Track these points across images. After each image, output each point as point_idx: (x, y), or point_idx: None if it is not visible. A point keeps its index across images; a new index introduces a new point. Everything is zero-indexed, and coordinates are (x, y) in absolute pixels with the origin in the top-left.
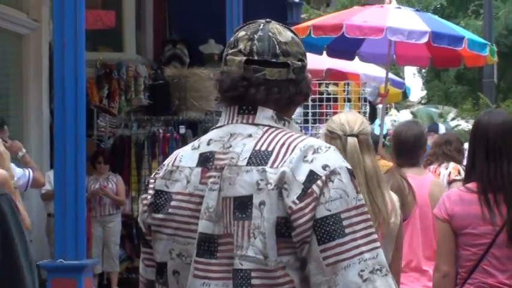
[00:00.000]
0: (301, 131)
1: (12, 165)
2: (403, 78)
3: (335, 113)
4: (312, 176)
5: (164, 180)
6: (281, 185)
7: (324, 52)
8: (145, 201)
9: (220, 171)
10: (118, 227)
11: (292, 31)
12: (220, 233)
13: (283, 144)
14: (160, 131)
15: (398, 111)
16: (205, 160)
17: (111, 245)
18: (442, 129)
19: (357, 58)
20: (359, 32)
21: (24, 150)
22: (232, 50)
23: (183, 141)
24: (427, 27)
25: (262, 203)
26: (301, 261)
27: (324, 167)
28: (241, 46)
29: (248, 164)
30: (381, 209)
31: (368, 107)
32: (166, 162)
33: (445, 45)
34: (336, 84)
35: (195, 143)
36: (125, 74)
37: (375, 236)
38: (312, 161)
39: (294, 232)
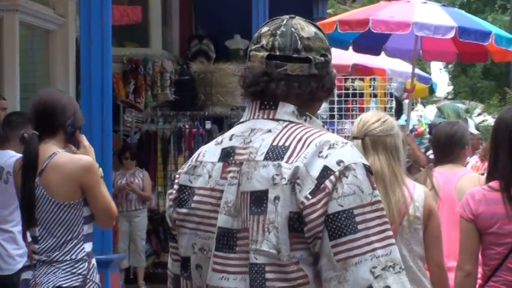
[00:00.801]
0: (325, 126)
1: None
2: (430, 74)
3: (361, 108)
4: (325, 172)
5: (188, 176)
6: (294, 180)
7: (350, 47)
8: (170, 196)
9: (239, 166)
10: (144, 222)
11: (316, 26)
12: (239, 227)
13: (300, 139)
14: (186, 126)
15: (424, 106)
16: (227, 155)
17: (138, 239)
18: (471, 124)
19: (383, 53)
20: (385, 27)
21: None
22: (256, 46)
23: (209, 137)
24: (453, 22)
25: (277, 198)
26: (314, 257)
27: (339, 162)
28: (263, 42)
29: (265, 159)
30: (391, 209)
31: (394, 102)
32: (191, 157)
33: (472, 41)
34: (362, 80)
35: (219, 138)
36: (151, 69)
37: (390, 233)
38: (326, 156)
39: (306, 227)
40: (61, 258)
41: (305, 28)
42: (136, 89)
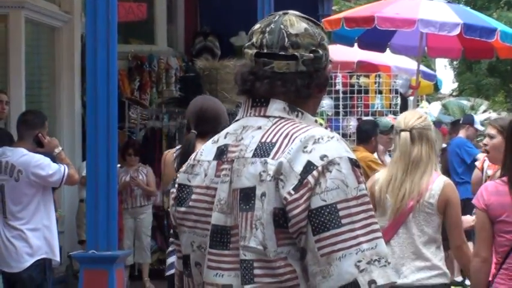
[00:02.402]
0: (328, 122)
1: (48, 160)
2: (435, 71)
3: (366, 105)
4: (308, 167)
5: (186, 174)
6: (278, 176)
7: (355, 44)
8: (172, 195)
9: (231, 164)
10: (149, 219)
11: (312, 22)
12: (232, 224)
13: (287, 135)
14: None
15: (429, 103)
16: (221, 153)
17: (143, 236)
18: (477, 120)
19: (388, 50)
20: (391, 24)
21: (60, 148)
22: (248, 43)
23: None
24: (459, 19)
25: (263, 194)
26: (301, 252)
27: (322, 157)
28: (254, 39)
29: (253, 155)
30: (413, 187)
31: (399, 99)
32: (191, 156)
33: (477, 37)
34: (367, 76)
35: (215, 137)
36: (156, 66)
37: (376, 227)
38: (311, 151)
39: (290, 223)
40: None
41: (294, 24)
42: (141, 85)
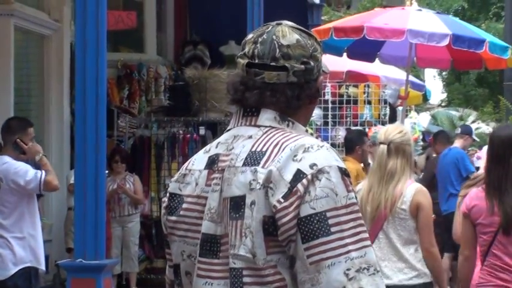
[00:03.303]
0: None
1: (27, 167)
2: (423, 81)
3: (355, 115)
4: (298, 175)
5: (178, 184)
6: (267, 184)
7: (344, 54)
8: (164, 204)
9: (222, 173)
10: (137, 227)
11: (306, 33)
12: (222, 233)
13: (277, 144)
14: (180, 131)
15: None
16: (212, 162)
17: (130, 245)
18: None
19: (377, 60)
20: (380, 34)
21: (40, 154)
22: (240, 53)
23: (203, 142)
24: (448, 29)
25: (253, 203)
26: (290, 260)
27: (312, 165)
28: (246, 49)
29: (244, 164)
30: (388, 196)
31: (388, 109)
32: (183, 166)
33: (466, 48)
34: (356, 86)
35: (207, 146)
36: (145, 74)
37: (365, 235)
38: (300, 160)
39: (279, 231)
40: None
41: (286, 36)
42: (130, 94)
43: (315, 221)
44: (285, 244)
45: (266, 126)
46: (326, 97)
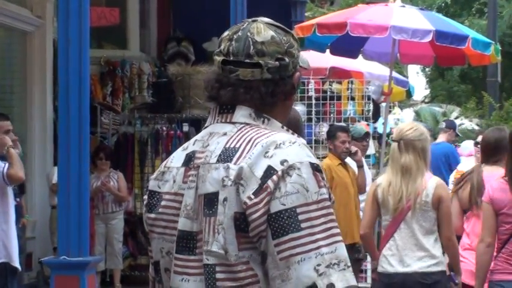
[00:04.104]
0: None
1: None
2: (407, 77)
3: (338, 111)
4: (269, 171)
5: (157, 181)
6: (238, 180)
7: (328, 50)
8: (144, 202)
9: (197, 170)
10: (121, 224)
11: (280, 29)
12: (198, 230)
13: (250, 141)
14: (164, 128)
15: (401, 110)
16: (189, 160)
17: (114, 242)
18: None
19: (360, 56)
20: (363, 31)
21: (6, 147)
22: (217, 50)
23: (186, 139)
24: (431, 26)
25: (225, 199)
26: (262, 256)
27: (283, 162)
28: (222, 46)
29: (217, 161)
30: (410, 189)
31: (372, 105)
32: (162, 164)
33: (449, 44)
34: (340, 83)
35: (185, 144)
36: (128, 71)
37: (336, 231)
38: (271, 156)
39: (250, 227)
40: None
41: (261, 32)
42: (113, 91)
43: (285, 217)
44: (256, 240)
45: (241, 123)
46: (309, 93)
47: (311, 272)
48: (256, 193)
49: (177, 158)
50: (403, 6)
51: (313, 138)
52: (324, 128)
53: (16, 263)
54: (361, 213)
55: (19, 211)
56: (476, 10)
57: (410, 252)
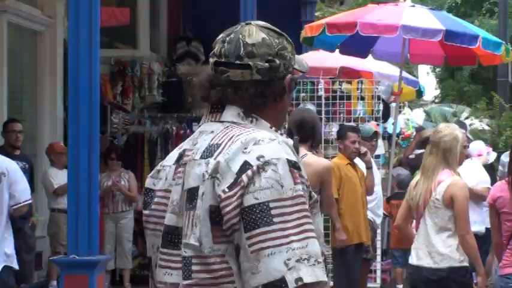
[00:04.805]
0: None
1: None
2: (417, 77)
3: (348, 111)
4: (244, 166)
5: (152, 179)
6: (215, 174)
7: (337, 50)
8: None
9: (184, 167)
10: (130, 224)
11: (273, 32)
12: (182, 225)
13: (231, 137)
14: (174, 128)
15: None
16: (179, 157)
17: (124, 241)
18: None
19: (370, 56)
20: (373, 30)
21: None
22: (212, 52)
23: None
24: (441, 25)
25: (204, 193)
26: (236, 249)
27: (259, 157)
28: (216, 48)
29: (201, 157)
30: (426, 188)
31: (381, 105)
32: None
33: (459, 44)
34: (349, 82)
35: (181, 144)
36: (138, 71)
37: (309, 227)
38: (249, 152)
39: (224, 220)
40: None
41: (253, 35)
42: (123, 90)
43: (258, 211)
44: (230, 233)
45: (229, 122)
46: (319, 93)
47: (281, 265)
48: (230, 187)
49: (171, 156)
50: (413, 6)
51: (323, 138)
52: (334, 127)
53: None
54: (369, 214)
55: (29, 210)
56: (486, 10)
57: (424, 247)
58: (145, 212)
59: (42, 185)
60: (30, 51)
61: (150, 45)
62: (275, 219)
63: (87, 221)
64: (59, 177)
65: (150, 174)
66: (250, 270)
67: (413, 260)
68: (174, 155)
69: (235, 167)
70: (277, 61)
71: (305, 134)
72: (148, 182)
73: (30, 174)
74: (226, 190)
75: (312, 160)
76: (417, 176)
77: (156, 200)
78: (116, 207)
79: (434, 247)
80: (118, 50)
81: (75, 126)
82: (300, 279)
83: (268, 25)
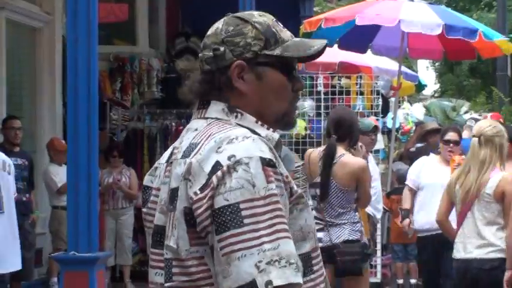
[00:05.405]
0: (310, 123)
1: None
2: (416, 71)
3: (347, 106)
4: (216, 167)
5: (150, 177)
6: (187, 176)
7: (336, 45)
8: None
9: (171, 166)
10: (131, 220)
11: (241, 20)
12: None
13: (209, 136)
14: (173, 124)
15: (411, 104)
16: (170, 156)
17: (124, 238)
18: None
19: (369, 51)
20: (370, 21)
21: None
22: None
23: None
24: (440, 20)
25: (180, 195)
26: (212, 251)
27: (230, 157)
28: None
29: (182, 157)
30: (477, 181)
31: (381, 100)
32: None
33: (460, 37)
34: (349, 77)
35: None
36: (137, 67)
37: (282, 227)
38: (222, 151)
39: (196, 222)
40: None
41: (213, 26)
42: (122, 86)
43: (228, 213)
44: (204, 236)
45: (212, 118)
46: (318, 88)
47: (252, 268)
48: (202, 188)
49: (166, 154)
50: (412, 1)
51: (322, 132)
52: None
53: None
54: (369, 208)
55: (29, 207)
56: (485, 4)
57: (473, 240)
58: (144, 209)
59: (42, 182)
60: (28, 47)
61: (149, 41)
62: (246, 221)
63: (86, 217)
64: (60, 174)
65: (148, 172)
66: (221, 273)
67: (460, 253)
68: (168, 152)
69: (208, 167)
70: (222, 48)
71: (343, 133)
72: (146, 180)
73: (30, 171)
74: (198, 192)
75: (348, 160)
76: (457, 172)
77: (151, 198)
78: (116, 203)
79: (485, 239)
80: (117, 46)
81: (74, 123)
82: (270, 282)
83: (242, 14)
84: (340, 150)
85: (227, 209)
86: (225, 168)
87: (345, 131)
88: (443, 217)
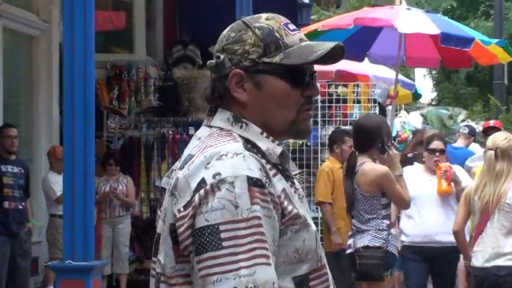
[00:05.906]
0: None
1: None
2: (413, 80)
3: (344, 114)
4: (200, 184)
5: (167, 179)
6: (174, 191)
7: None
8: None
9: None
10: (127, 229)
11: (245, 26)
12: None
13: (203, 149)
14: (170, 132)
15: (408, 112)
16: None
17: (121, 246)
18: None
19: (366, 59)
20: (367, 22)
21: None
22: None
23: None
24: (436, 28)
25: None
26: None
27: (215, 175)
28: None
29: (179, 168)
30: (496, 193)
31: (377, 108)
32: None
33: (453, 46)
34: (346, 86)
35: None
36: (135, 75)
37: (261, 252)
38: (210, 168)
39: (179, 240)
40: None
41: (222, 33)
42: (120, 95)
43: (207, 234)
44: (187, 254)
45: (216, 127)
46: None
47: None
48: (185, 206)
49: (182, 158)
50: (409, 9)
51: (319, 141)
52: (330, 131)
53: None
54: None
55: (25, 215)
56: (482, 12)
57: (491, 249)
58: (158, 212)
59: (39, 191)
60: (25, 56)
61: (147, 50)
62: (224, 243)
63: (82, 225)
64: (60, 182)
65: (166, 174)
66: None
67: (479, 262)
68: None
69: (194, 184)
70: (221, 56)
71: (361, 141)
72: (164, 182)
73: (26, 179)
74: (181, 209)
75: (368, 168)
76: (475, 182)
77: (163, 202)
78: (113, 212)
79: (506, 248)
80: (114, 54)
81: (70, 131)
82: None
83: (249, 18)
84: (362, 158)
85: (206, 230)
86: (208, 187)
87: (363, 139)
88: (460, 227)
